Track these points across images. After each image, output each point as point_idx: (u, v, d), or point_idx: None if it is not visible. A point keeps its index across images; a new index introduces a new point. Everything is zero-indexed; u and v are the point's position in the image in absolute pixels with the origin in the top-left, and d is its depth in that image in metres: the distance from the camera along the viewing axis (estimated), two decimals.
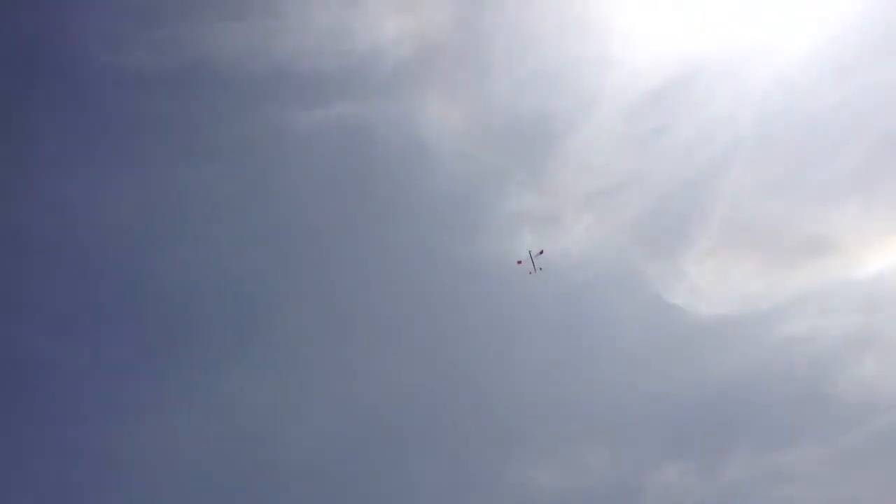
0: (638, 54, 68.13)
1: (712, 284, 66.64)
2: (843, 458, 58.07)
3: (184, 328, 65.20)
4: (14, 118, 63.41)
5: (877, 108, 65.11)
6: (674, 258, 67.09)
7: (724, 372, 64.00)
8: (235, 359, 64.97)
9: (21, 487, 54.23)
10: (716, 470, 59.82)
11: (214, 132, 69.14)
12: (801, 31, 66.93)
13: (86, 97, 66.28)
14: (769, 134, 67.16)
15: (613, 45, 68.14)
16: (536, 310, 68.65)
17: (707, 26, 68.26)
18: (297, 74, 69.19)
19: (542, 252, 59.31)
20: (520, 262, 59.36)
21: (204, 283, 66.46)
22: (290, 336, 66.62)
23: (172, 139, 68.24)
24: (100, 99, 66.63)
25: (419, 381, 65.50)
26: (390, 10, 68.46)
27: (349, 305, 68.08)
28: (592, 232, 68.53)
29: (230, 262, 67.46)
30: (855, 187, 65.01)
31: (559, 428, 63.73)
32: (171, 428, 59.62)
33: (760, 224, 66.88)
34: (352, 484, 60.13)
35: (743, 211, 66.65)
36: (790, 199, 66.55)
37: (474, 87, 69.43)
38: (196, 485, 58.05)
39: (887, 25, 64.88)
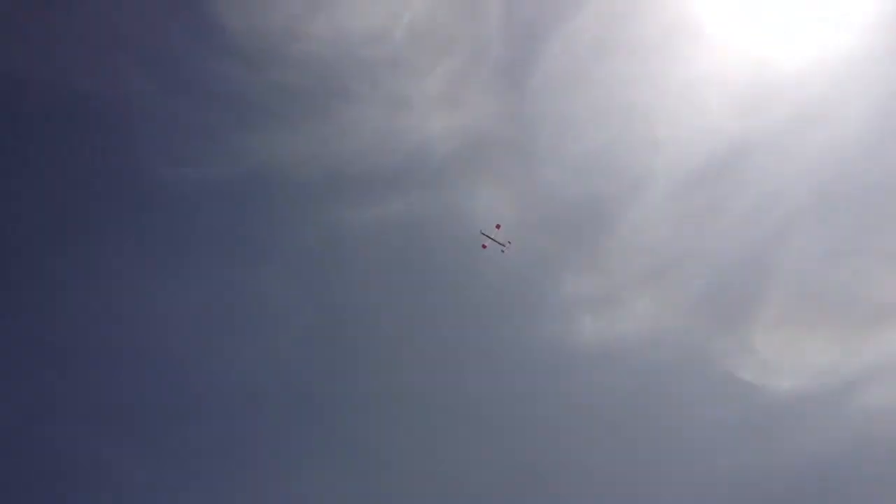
0: (684, 134, 68.92)
1: (783, 358, 64.79)
2: None
3: (249, 430, 64.81)
4: (85, 230, 65.84)
5: None
6: (740, 333, 65.73)
7: (805, 449, 61.66)
8: (302, 459, 64.18)
9: None
10: None
11: (273, 236, 70.75)
12: (850, 98, 67.06)
13: (150, 209, 68.66)
14: (828, 202, 66.64)
15: (659, 127, 69.07)
16: (602, 395, 67.14)
17: (751, 104, 68.82)
18: (350, 176, 71.22)
19: (498, 227, 58.86)
20: (485, 247, 59.12)
21: (268, 385, 66.44)
22: (357, 434, 65.76)
23: (233, 245, 69.89)
24: (163, 210, 68.77)
25: (489, 476, 63.84)
26: (436, 108, 70.87)
27: (413, 401, 67.40)
28: (653, 312, 67.70)
29: (292, 363, 67.58)
30: None
31: None
32: None
33: (827, 293, 65.41)
34: None
35: (808, 281, 65.42)
36: (856, 266, 65.16)
37: (522, 175, 70.60)
38: None
39: None
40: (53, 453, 57.34)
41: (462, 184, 70.74)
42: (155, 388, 62.99)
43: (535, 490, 62.55)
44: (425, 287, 70.80)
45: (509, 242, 59.72)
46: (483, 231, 59.93)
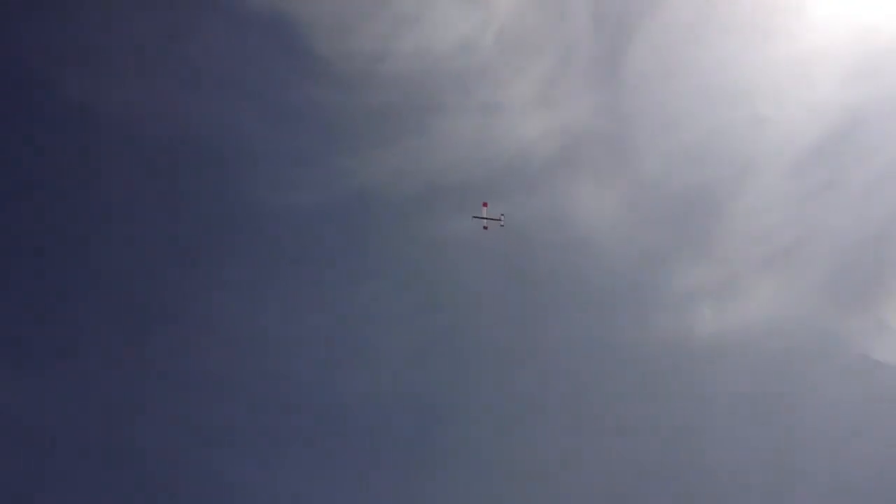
0: (792, 111, 66.56)
1: None
2: None
3: (369, 445, 65.29)
4: (205, 262, 67.98)
5: None
6: (873, 312, 62.47)
7: None
8: (423, 471, 64.19)
9: None
10: None
11: (378, 253, 71.51)
12: None
13: (262, 235, 70.28)
14: None
15: (765, 106, 66.84)
16: (726, 389, 64.87)
17: (861, 73, 65.84)
18: (448, 188, 71.26)
19: (485, 204, 57.07)
20: (486, 228, 58.78)
21: (385, 399, 66.80)
22: (475, 443, 65.24)
23: (342, 264, 71.01)
24: (274, 235, 70.23)
25: (610, 478, 62.37)
26: (530, 111, 70.48)
27: (529, 406, 66.64)
28: (776, 298, 65.16)
29: (407, 376, 67.78)
30: None
31: None
32: None
33: None
34: None
35: None
36: None
37: (625, 170, 69.44)
38: None
39: None
40: (186, 473, 58.88)
41: (563, 185, 70.12)
42: (276, 406, 63.78)
43: (660, 491, 60.86)
44: (533, 291, 70.14)
45: (502, 215, 58.68)
46: (474, 215, 59.20)
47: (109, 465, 57.67)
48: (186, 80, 69.38)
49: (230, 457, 59.54)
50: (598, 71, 70.61)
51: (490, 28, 70.70)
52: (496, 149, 70.75)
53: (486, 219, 60.02)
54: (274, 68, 70.75)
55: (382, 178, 71.22)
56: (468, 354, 68.83)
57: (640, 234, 68.25)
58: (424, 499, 60.34)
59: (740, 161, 67.44)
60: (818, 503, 58.30)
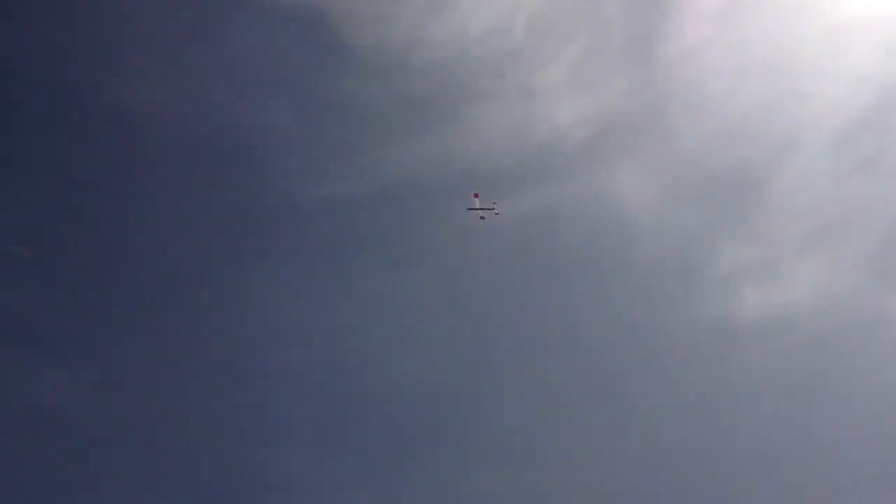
0: (833, 85, 65.00)
1: None
2: None
3: (413, 436, 65.29)
4: (243, 254, 68.52)
5: None
6: None
7: None
8: (465, 459, 64.16)
9: None
10: None
11: (414, 242, 71.47)
12: None
13: (298, 227, 70.83)
14: None
15: (804, 80, 65.42)
16: (771, 369, 63.77)
17: None
18: (483, 174, 70.86)
19: (476, 195, 56.63)
20: (483, 218, 58.90)
21: (422, 389, 66.90)
22: (516, 431, 64.90)
23: (378, 255, 71.22)
24: (310, 227, 70.77)
25: (656, 464, 61.74)
26: (564, 94, 69.90)
27: (570, 393, 66.11)
28: (820, 276, 63.88)
29: (445, 365, 67.66)
30: None
31: (814, 495, 57.61)
32: None
33: None
34: None
35: None
36: None
37: (662, 150, 68.53)
38: None
39: None
40: (223, 467, 59.51)
41: (599, 168, 69.45)
42: (310, 398, 64.13)
43: (705, 474, 60.07)
44: (572, 277, 69.60)
45: (495, 203, 58.07)
46: (468, 207, 58.68)
47: (148, 460, 58.70)
48: (220, 78, 70.19)
49: (264, 449, 60.05)
50: (632, 50, 69.91)
51: (521, 12, 70.34)
52: (531, 134, 70.46)
53: (480, 209, 59.83)
54: (306, 62, 71.31)
55: (417, 167, 71.37)
56: (505, 343, 68.59)
57: (679, 216, 67.50)
58: (460, 490, 60.05)
59: (781, 137, 66.27)
60: (867, 483, 57.30)
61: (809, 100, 65.44)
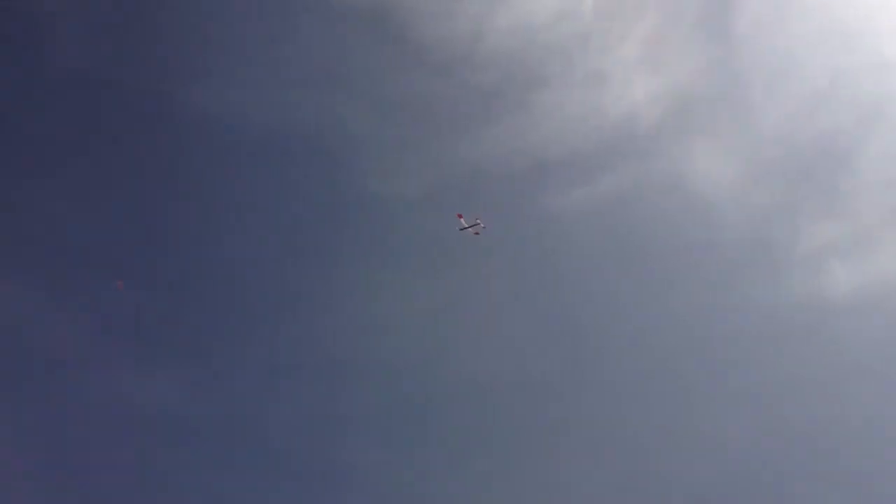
0: None
1: None
2: None
3: (492, 426, 65.38)
4: (328, 252, 69.81)
5: None
6: None
7: None
8: (546, 451, 63.78)
9: None
10: None
11: (495, 230, 71.22)
12: None
13: (372, 225, 71.66)
14: None
15: (888, 46, 62.56)
16: (864, 348, 61.85)
17: None
18: (555, 161, 70.50)
19: (460, 216, 57.38)
20: (477, 233, 58.88)
21: (504, 379, 66.86)
22: (604, 418, 64.39)
23: (451, 248, 71.20)
24: (384, 223, 71.50)
25: (746, 445, 60.72)
26: (636, 75, 68.71)
27: (658, 378, 65.35)
28: None
29: (524, 356, 67.56)
30: None
31: None
32: None
33: None
34: None
35: None
36: None
37: (742, 126, 66.77)
38: None
39: None
40: (312, 461, 60.74)
41: (676, 149, 68.09)
42: (396, 392, 64.79)
43: (798, 454, 58.92)
44: (652, 262, 68.58)
45: (478, 219, 57.83)
46: (460, 228, 58.00)
47: (251, 455, 60.64)
48: (292, 79, 71.37)
49: (352, 443, 61.18)
50: (706, 24, 68.04)
51: None
52: (603, 118, 69.44)
53: (470, 227, 59.62)
54: (374, 60, 71.70)
55: (488, 158, 71.16)
56: (588, 331, 68.08)
57: (762, 193, 65.80)
58: (543, 479, 60.02)
59: (866, 107, 63.79)
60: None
61: (892, 67, 62.63)
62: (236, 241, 68.08)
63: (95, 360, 60.79)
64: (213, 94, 69.26)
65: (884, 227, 63.08)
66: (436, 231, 70.29)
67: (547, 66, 70.83)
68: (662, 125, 68.34)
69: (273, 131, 70.41)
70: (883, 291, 61.58)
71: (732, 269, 66.24)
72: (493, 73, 70.97)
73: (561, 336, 67.28)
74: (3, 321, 60.26)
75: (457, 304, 69.13)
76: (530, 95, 71.31)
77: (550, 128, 70.70)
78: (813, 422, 59.48)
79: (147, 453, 58.43)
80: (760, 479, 58.25)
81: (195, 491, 57.55)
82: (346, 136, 71.39)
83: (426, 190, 70.54)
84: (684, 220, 68.04)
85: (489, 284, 69.37)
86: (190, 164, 69.30)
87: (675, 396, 63.27)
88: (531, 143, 70.81)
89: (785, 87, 65.77)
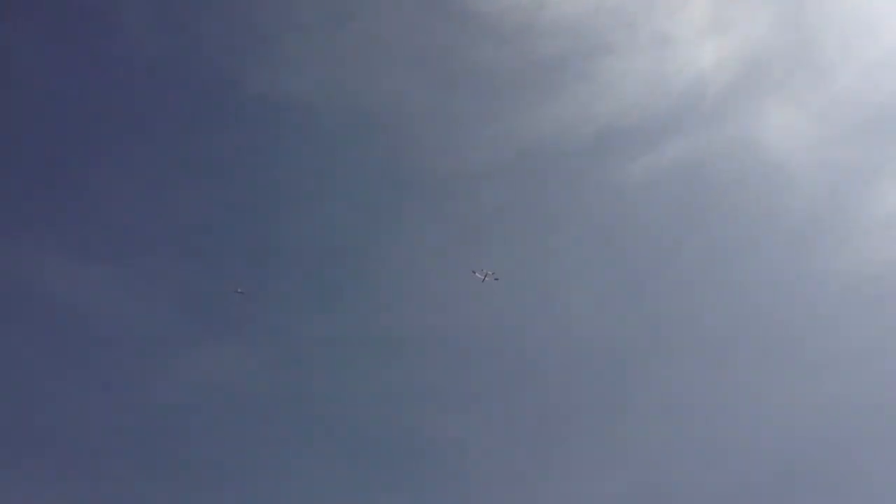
0: None
1: None
2: None
3: (570, 392, 64.98)
4: (380, 230, 70.85)
5: None
6: None
7: None
8: (625, 413, 63.38)
9: None
10: None
11: (554, 205, 71.27)
12: None
13: (437, 200, 72.32)
14: None
15: None
16: None
17: None
18: (622, 130, 69.75)
19: (474, 272, 57.92)
20: (497, 279, 58.73)
21: (579, 346, 66.58)
22: (671, 383, 63.90)
23: (519, 220, 71.39)
24: (449, 197, 71.99)
25: (825, 408, 59.24)
26: (704, 38, 67.05)
27: (724, 345, 64.27)
28: None
29: (596, 323, 67.01)
30: None
31: None
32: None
33: None
34: None
35: None
36: None
37: (815, 87, 64.59)
38: None
39: None
40: (391, 432, 61.70)
41: (745, 112, 66.51)
42: (472, 362, 65.33)
43: (869, 427, 57.46)
44: (721, 227, 67.35)
45: (492, 273, 58.02)
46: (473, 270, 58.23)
47: (314, 430, 61.78)
48: (351, 56, 72.30)
49: (428, 413, 61.82)
50: None
51: None
52: (669, 83, 68.25)
53: (486, 276, 59.36)
54: (435, 33, 71.97)
55: (553, 129, 70.88)
56: (657, 298, 67.37)
57: (837, 154, 63.69)
58: (618, 442, 60.06)
59: None
60: None
61: None
62: (302, 219, 70.09)
63: (164, 335, 63.18)
64: (275, 77, 71.29)
65: None
66: (499, 205, 70.64)
67: (611, 32, 69.97)
68: (732, 88, 66.95)
69: (336, 110, 71.86)
70: None
71: (806, 233, 64.92)
72: (556, 43, 70.64)
73: (632, 301, 67.03)
74: (82, 303, 63.14)
75: (524, 277, 69.03)
76: (594, 64, 70.66)
77: (616, 97, 70.05)
78: (887, 387, 57.99)
79: (219, 426, 60.26)
80: (832, 445, 57.26)
81: (266, 464, 59.10)
82: (408, 112, 72.25)
83: (489, 165, 70.88)
84: (755, 185, 66.75)
85: (559, 254, 69.22)
86: (255, 145, 71.33)
87: (747, 363, 62.33)
88: (597, 113, 70.34)
89: (860, 43, 63.34)
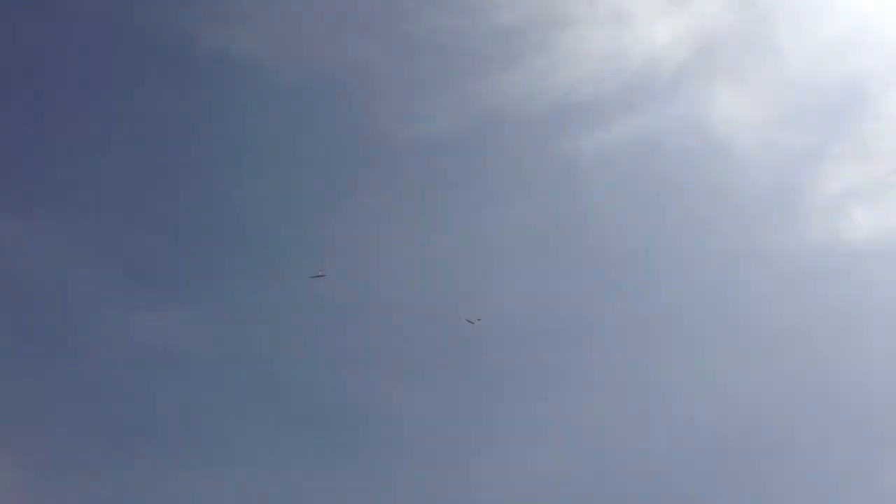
0: None
1: None
2: None
3: (514, 367, 65.71)
4: (339, 193, 70.22)
5: None
6: None
7: None
8: (567, 390, 64.08)
9: None
10: None
11: (508, 175, 71.33)
12: None
13: (391, 166, 71.62)
14: None
15: None
16: (883, 294, 61.62)
17: None
18: (577, 104, 70.08)
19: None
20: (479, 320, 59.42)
21: (526, 315, 66.41)
22: (615, 361, 64.71)
23: (473, 188, 71.25)
24: (403, 164, 71.57)
25: (762, 382, 60.92)
26: (661, 15, 67.71)
27: (671, 321, 65.48)
28: None
29: (549, 293, 67.32)
30: None
31: None
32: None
33: None
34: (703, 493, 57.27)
35: None
36: None
37: (766, 69, 65.85)
38: None
39: None
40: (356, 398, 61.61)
41: (698, 91, 67.47)
42: (408, 330, 64.60)
43: (807, 396, 58.58)
44: (671, 204, 68.26)
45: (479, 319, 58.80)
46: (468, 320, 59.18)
47: (257, 392, 60.82)
48: (310, 18, 71.11)
49: (363, 381, 61.22)
50: None
51: None
52: (625, 59, 68.82)
53: (471, 321, 60.27)
54: None
55: (510, 99, 70.81)
56: (603, 273, 67.58)
57: (785, 135, 65.16)
58: (561, 418, 59.72)
59: (893, 49, 62.26)
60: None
61: None
62: (253, 183, 68.77)
63: (108, 298, 61.62)
64: (230, 36, 69.49)
65: None
66: (455, 175, 70.68)
67: (571, 5, 70.24)
68: (685, 67, 67.80)
69: (292, 72, 70.55)
70: None
71: (753, 212, 66.27)
72: (516, 12, 70.52)
73: (577, 276, 67.18)
74: (17, 261, 61.34)
75: (480, 246, 69.28)
76: (554, 36, 70.75)
77: (573, 70, 70.22)
78: (831, 368, 59.34)
79: (153, 388, 58.81)
80: (770, 420, 58.39)
81: (200, 425, 58.07)
82: (365, 77, 71.26)
83: (446, 132, 70.59)
84: (706, 164, 67.89)
85: (510, 222, 69.39)
86: (209, 105, 69.73)
87: (691, 339, 63.18)
88: (554, 85, 70.45)
89: (811, 28, 64.79)
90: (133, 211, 65.27)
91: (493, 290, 66.98)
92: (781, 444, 56.92)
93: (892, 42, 63.77)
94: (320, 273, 60.31)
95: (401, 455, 57.27)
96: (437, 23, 70.64)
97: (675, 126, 68.02)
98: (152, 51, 68.85)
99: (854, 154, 63.93)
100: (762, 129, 65.71)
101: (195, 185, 68.32)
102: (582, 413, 59.69)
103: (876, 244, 62.12)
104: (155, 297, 62.72)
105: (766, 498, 54.76)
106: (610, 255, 67.51)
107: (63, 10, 67.97)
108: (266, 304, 63.92)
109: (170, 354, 60.06)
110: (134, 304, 61.61)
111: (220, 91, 70.21)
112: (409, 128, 70.49)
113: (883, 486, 52.89)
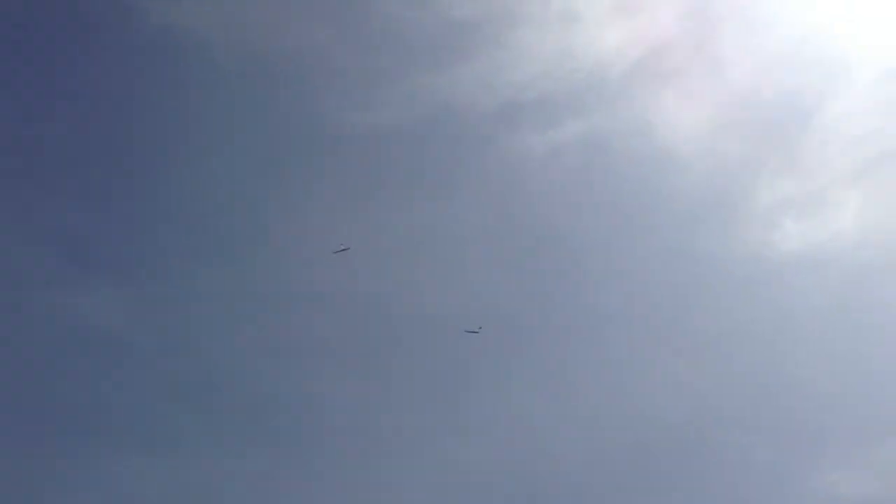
0: (892, 11, 62.25)
1: None
2: None
3: (461, 358, 65.81)
4: (278, 180, 69.57)
5: None
6: None
7: None
8: (504, 385, 64.99)
9: None
10: None
11: (455, 170, 71.59)
12: None
13: (336, 154, 71.30)
14: None
15: (858, 7, 62.87)
16: (810, 302, 63.53)
17: None
18: (526, 103, 70.68)
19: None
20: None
21: (468, 309, 66.42)
22: (555, 356, 65.63)
23: (418, 182, 71.52)
24: (349, 153, 71.01)
25: (692, 383, 62.60)
26: (611, 20, 68.59)
27: (609, 320, 66.40)
28: (863, 210, 63.13)
29: (484, 293, 67.85)
30: None
31: (855, 427, 57.96)
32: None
33: None
34: (634, 491, 58.80)
35: None
36: None
37: (710, 78, 67.41)
38: None
39: None
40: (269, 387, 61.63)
41: (644, 96, 68.72)
42: (360, 321, 64.94)
43: (742, 401, 60.38)
44: (613, 204, 69.59)
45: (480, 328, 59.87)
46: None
47: (183, 374, 60.66)
48: (262, 1, 69.97)
49: (308, 371, 61.43)
50: None
51: None
52: (575, 61, 69.55)
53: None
54: None
55: (458, 95, 71.00)
56: (544, 272, 68.65)
57: (725, 145, 66.87)
58: (514, 406, 60.93)
59: (833, 66, 64.58)
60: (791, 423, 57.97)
61: (866, 26, 63.14)
62: (194, 164, 67.91)
63: (42, 279, 60.65)
64: (178, 12, 68.27)
65: (838, 187, 64.64)
66: (408, 165, 70.67)
67: (523, 4, 70.63)
68: (632, 72, 68.89)
69: (239, 53, 69.60)
70: (833, 249, 63.42)
71: (690, 218, 67.77)
72: (471, 7, 70.57)
73: (518, 275, 68.13)
74: None
75: (424, 239, 69.50)
76: (506, 33, 71.20)
77: (523, 68, 70.73)
78: (758, 371, 61.38)
79: (86, 371, 58.39)
80: (704, 425, 59.58)
81: (133, 410, 57.67)
82: (314, 64, 70.82)
83: (396, 124, 70.43)
84: (648, 169, 69.14)
85: (454, 218, 69.78)
86: (152, 83, 68.32)
87: (629, 340, 64.50)
88: (503, 82, 70.93)
89: (755, 41, 66.39)
90: (71, 189, 64.03)
91: (436, 283, 67.68)
92: (714, 445, 57.83)
93: (831, 59, 65.69)
94: (343, 247, 59.74)
95: (332, 446, 57.71)
96: (391, 13, 70.66)
97: (622, 129, 69.34)
98: (95, 24, 67.17)
99: (790, 167, 65.95)
100: (704, 138, 67.34)
101: (137, 164, 67.14)
102: (520, 411, 60.70)
103: (805, 256, 64.19)
104: (91, 278, 61.75)
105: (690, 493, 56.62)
106: (554, 253, 68.63)
107: None
108: (206, 288, 63.58)
109: (105, 336, 59.38)
110: (68, 284, 60.67)
111: (164, 69, 68.86)
112: (358, 117, 70.30)
113: (806, 486, 54.79)
